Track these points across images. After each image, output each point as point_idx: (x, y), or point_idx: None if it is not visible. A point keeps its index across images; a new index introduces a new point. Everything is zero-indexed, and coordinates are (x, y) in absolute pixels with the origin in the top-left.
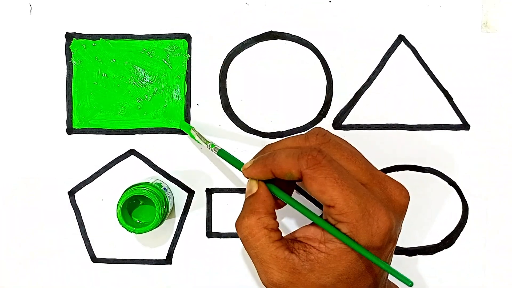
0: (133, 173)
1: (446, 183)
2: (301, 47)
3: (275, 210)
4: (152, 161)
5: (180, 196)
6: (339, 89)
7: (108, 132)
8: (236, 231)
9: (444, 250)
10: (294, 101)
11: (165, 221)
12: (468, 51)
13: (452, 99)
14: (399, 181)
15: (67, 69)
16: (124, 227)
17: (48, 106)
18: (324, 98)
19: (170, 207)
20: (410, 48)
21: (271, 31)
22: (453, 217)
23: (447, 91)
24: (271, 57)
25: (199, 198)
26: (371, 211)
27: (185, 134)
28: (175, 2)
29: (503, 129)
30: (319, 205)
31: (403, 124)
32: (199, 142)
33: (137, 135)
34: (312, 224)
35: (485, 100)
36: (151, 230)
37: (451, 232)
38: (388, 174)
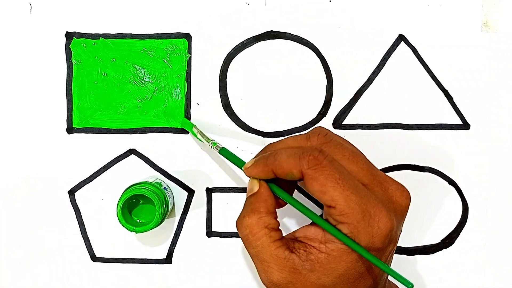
0: (133, 172)
1: (446, 183)
2: (301, 47)
3: (276, 209)
4: (152, 160)
5: (180, 196)
6: (339, 88)
7: (108, 131)
8: (236, 231)
9: (444, 250)
10: (294, 100)
11: (165, 220)
12: (468, 51)
13: (452, 98)
14: (400, 181)
15: (67, 68)
16: (124, 227)
17: (48, 106)
18: (324, 97)
19: (170, 207)
20: (410, 48)
21: (271, 30)
22: (453, 217)
23: (447, 91)
24: (271, 57)
25: (199, 198)
26: (372, 212)
27: (186, 133)
28: (175, 2)
29: (503, 129)
30: (320, 205)
31: (403, 124)
32: (201, 141)
33: (137, 135)
34: (313, 224)
35: (485, 100)
36: (151, 229)
37: (451, 232)
38: (388, 174)
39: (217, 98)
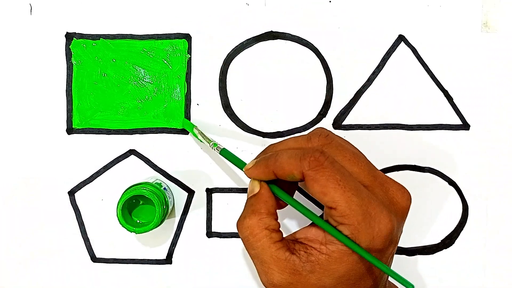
0: (133, 173)
1: (446, 183)
2: (301, 47)
3: (277, 210)
4: (152, 161)
5: (180, 196)
6: (339, 89)
7: (108, 132)
8: (236, 231)
9: (444, 250)
10: (294, 101)
11: (165, 221)
12: (468, 51)
13: (452, 99)
14: (400, 182)
15: (67, 69)
16: (124, 227)
17: (48, 106)
18: (324, 98)
19: (170, 207)
20: (410, 48)
21: (271, 31)
22: (453, 217)
23: (447, 91)
24: (271, 57)
25: (199, 198)
26: (372, 214)
27: (186, 134)
28: (175, 2)
29: (503, 129)
30: (321, 206)
31: (403, 124)
32: (201, 141)
33: (137, 135)
34: (313, 225)
35: (485, 100)
36: (151, 230)
37: (451, 232)
38: (388, 174)
39: (217, 99)
